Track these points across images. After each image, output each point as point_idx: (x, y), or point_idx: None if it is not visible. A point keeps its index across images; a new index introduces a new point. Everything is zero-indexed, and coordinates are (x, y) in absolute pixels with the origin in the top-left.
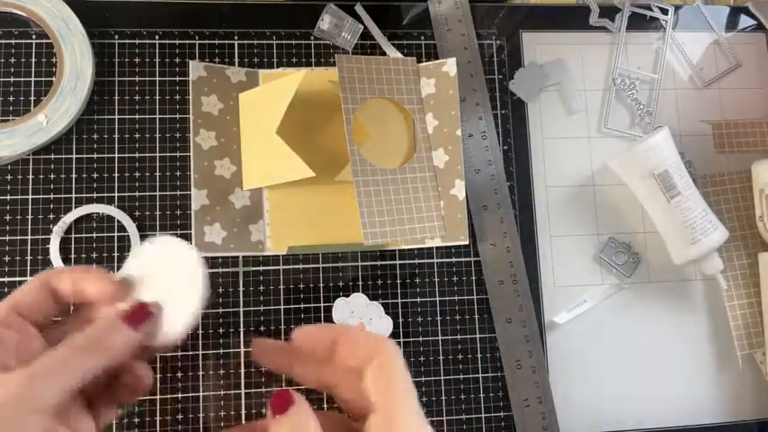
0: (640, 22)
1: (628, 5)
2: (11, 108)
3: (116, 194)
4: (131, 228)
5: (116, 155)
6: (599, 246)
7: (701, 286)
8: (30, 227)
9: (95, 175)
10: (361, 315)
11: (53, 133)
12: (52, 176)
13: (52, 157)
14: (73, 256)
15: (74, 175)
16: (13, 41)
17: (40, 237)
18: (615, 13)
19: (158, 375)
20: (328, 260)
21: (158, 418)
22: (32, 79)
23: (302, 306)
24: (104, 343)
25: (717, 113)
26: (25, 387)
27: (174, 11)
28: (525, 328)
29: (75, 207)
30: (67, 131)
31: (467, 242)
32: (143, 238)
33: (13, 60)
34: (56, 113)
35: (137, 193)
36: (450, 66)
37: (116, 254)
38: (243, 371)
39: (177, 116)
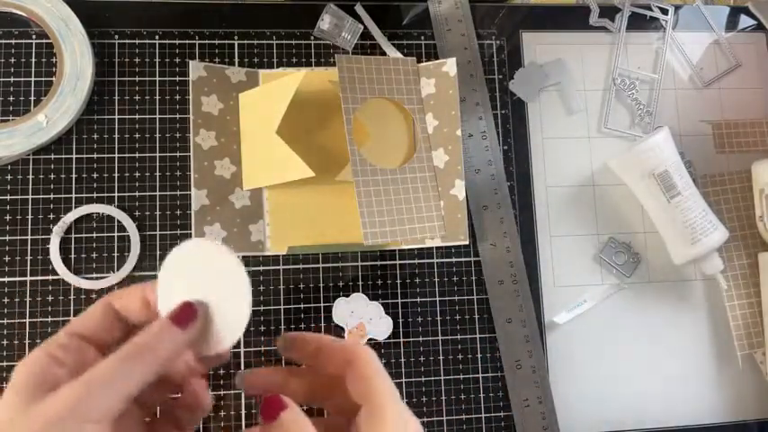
0: (640, 22)
1: (628, 5)
2: (11, 108)
3: (116, 194)
4: (131, 228)
5: (116, 155)
6: (599, 246)
7: (701, 286)
8: (30, 227)
9: (95, 175)
10: (361, 315)
11: (53, 133)
12: (52, 176)
13: (52, 157)
14: (73, 255)
15: (74, 175)
16: (13, 41)
17: (40, 237)
18: (615, 13)
19: None
20: (328, 260)
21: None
22: (32, 79)
23: (302, 306)
24: (153, 346)
25: (717, 113)
26: (79, 398)
27: (174, 11)
28: (525, 328)
29: (75, 207)
30: (67, 131)
31: (467, 242)
32: (143, 238)
33: (13, 60)
34: (56, 113)
35: (137, 193)
36: (450, 66)
37: (116, 254)
38: (243, 371)
39: (177, 116)
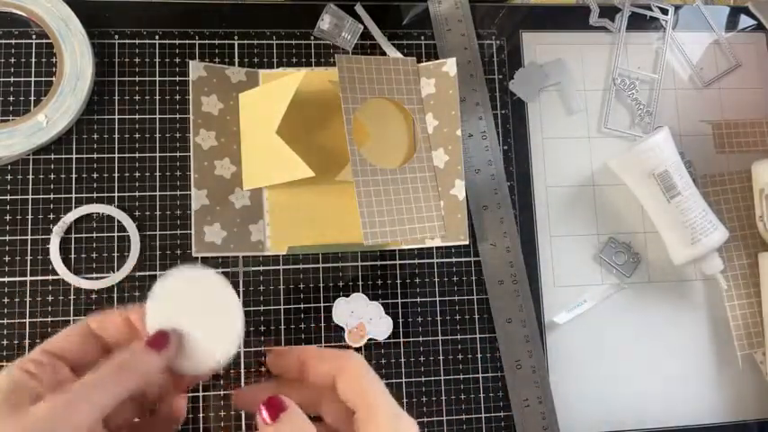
0: (640, 22)
1: (628, 5)
2: (11, 108)
3: (116, 194)
4: (131, 228)
5: (116, 155)
6: (599, 246)
7: (701, 286)
8: (30, 227)
9: (95, 175)
10: (361, 315)
11: (53, 133)
12: (52, 176)
13: (52, 157)
14: (73, 255)
15: (74, 175)
16: (13, 41)
17: (39, 237)
18: (615, 13)
19: None
20: (328, 260)
21: None
22: (32, 79)
23: (302, 306)
24: (130, 366)
25: (717, 113)
26: (58, 411)
27: (174, 11)
28: (525, 328)
29: (75, 207)
30: (67, 131)
31: (467, 242)
32: (143, 238)
33: (13, 60)
34: (56, 113)
35: (137, 193)
36: (450, 66)
37: (116, 254)
38: (243, 371)
39: (177, 116)
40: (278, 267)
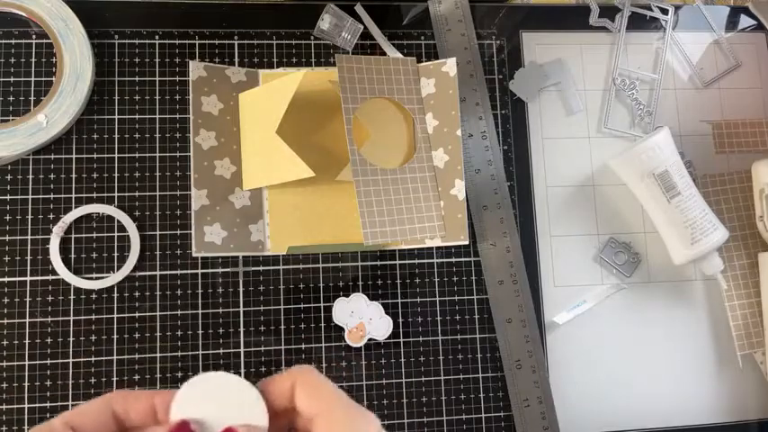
0: (640, 22)
1: (628, 5)
2: (11, 108)
3: (116, 194)
4: (131, 228)
5: (116, 155)
6: (599, 246)
7: (700, 286)
8: (30, 227)
9: (95, 175)
10: (361, 315)
11: (53, 133)
12: (52, 176)
13: (52, 157)
14: (73, 255)
15: (74, 175)
16: (13, 41)
17: (39, 237)
18: (615, 13)
19: (158, 375)
20: (328, 260)
21: None
22: (32, 79)
23: (302, 306)
24: None
25: (717, 113)
26: None
27: (174, 11)
28: (525, 328)
29: (75, 207)
30: (67, 131)
31: (467, 242)
32: (143, 238)
33: (13, 60)
34: (56, 113)
35: (137, 193)
36: (450, 66)
37: (116, 254)
38: (243, 371)
39: (177, 116)
40: (278, 267)
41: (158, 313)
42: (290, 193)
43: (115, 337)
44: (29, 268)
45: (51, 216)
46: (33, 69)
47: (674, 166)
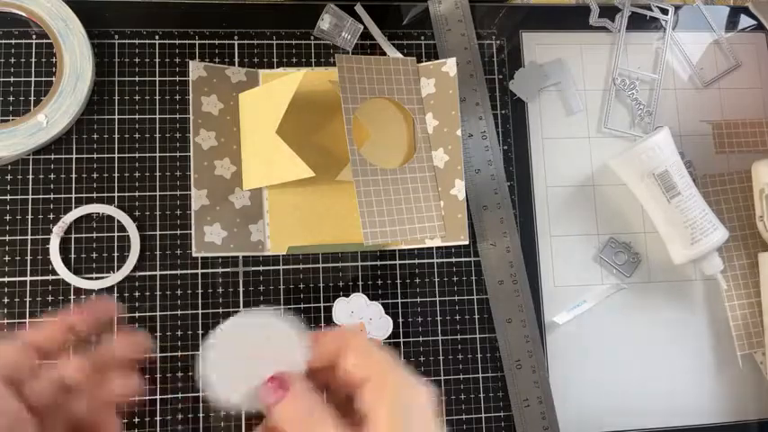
0: (640, 22)
1: (628, 5)
2: (11, 108)
3: (116, 194)
4: (131, 228)
5: (116, 155)
6: (599, 246)
7: (701, 286)
8: (30, 227)
9: (95, 175)
10: (361, 315)
11: (53, 133)
12: (52, 176)
13: (52, 157)
14: (73, 255)
15: (74, 175)
16: (13, 41)
17: (40, 237)
18: (615, 13)
19: (158, 375)
20: (328, 260)
21: (158, 417)
22: (32, 79)
23: (302, 306)
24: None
25: (717, 113)
26: None
27: (174, 11)
28: (525, 328)
29: (75, 207)
30: (67, 131)
31: (467, 242)
32: (143, 238)
33: (13, 60)
34: (56, 113)
35: (137, 193)
36: (450, 66)
37: (116, 254)
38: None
39: (177, 116)
40: (278, 267)
41: (158, 313)
42: (290, 193)
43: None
44: (29, 268)
45: (51, 216)
46: (33, 69)
47: (674, 166)
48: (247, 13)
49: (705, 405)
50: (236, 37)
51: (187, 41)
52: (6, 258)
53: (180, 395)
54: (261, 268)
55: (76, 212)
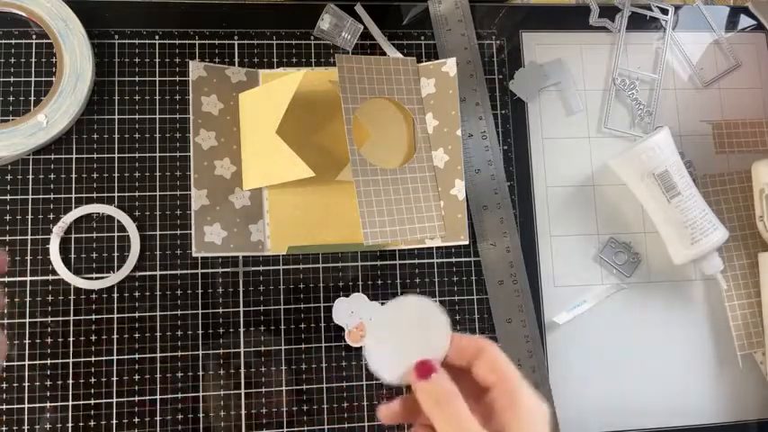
0: (640, 22)
1: (628, 5)
2: (11, 108)
3: (116, 194)
4: (131, 228)
5: (116, 155)
6: (599, 246)
7: (701, 286)
8: (30, 227)
9: (95, 175)
10: (361, 315)
11: (53, 133)
12: (52, 176)
13: (52, 157)
14: (73, 255)
15: (74, 175)
16: (13, 41)
17: (40, 237)
18: (615, 13)
19: (158, 375)
20: (328, 260)
21: (158, 418)
22: (32, 79)
23: (302, 306)
24: None
25: (717, 113)
26: None
27: (174, 11)
28: (525, 328)
29: (75, 207)
30: (67, 131)
31: (467, 242)
32: (143, 238)
33: (13, 60)
34: (56, 113)
35: (137, 193)
36: (450, 66)
37: (116, 254)
38: (243, 371)
39: (177, 116)
40: (278, 267)
41: (158, 313)
42: (290, 193)
43: (115, 337)
44: (29, 268)
45: (51, 216)
46: (33, 69)
47: (674, 166)
48: (247, 13)
49: (705, 405)
50: (236, 37)
51: (187, 41)
52: (6, 258)
53: (180, 395)
54: (261, 268)
55: (76, 212)
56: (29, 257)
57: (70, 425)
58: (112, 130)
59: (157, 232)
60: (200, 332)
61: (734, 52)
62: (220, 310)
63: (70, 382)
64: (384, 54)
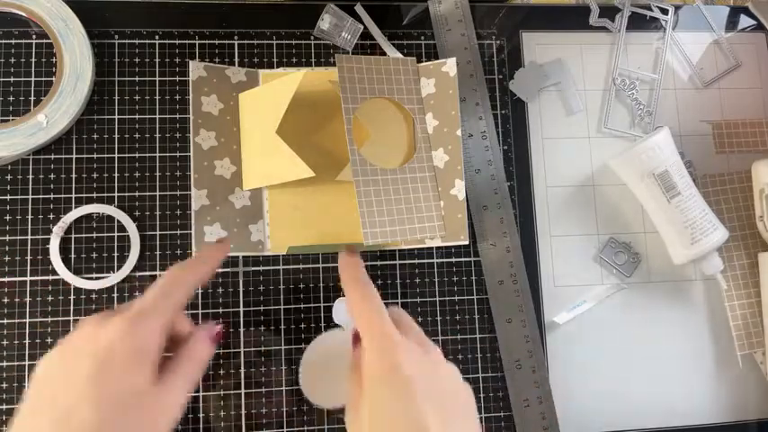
0: (640, 22)
1: (628, 5)
2: (11, 108)
3: (116, 194)
4: (131, 228)
5: (116, 155)
6: (599, 246)
7: (701, 286)
8: (30, 227)
9: (95, 175)
10: None
11: (53, 133)
12: (52, 176)
13: (52, 157)
14: (73, 256)
15: (74, 175)
16: (13, 41)
17: (40, 237)
18: (615, 13)
19: None
20: (328, 260)
21: None
22: (32, 79)
23: (302, 306)
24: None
25: (717, 113)
26: (126, 329)
27: (174, 11)
28: (525, 328)
29: (75, 207)
30: (67, 131)
31: (467, 242)
32: (143, 238)
33: (13, 60)
34: (56, 113)
35: (137, 193)
36: (450, 66)
37: (116, 254)
38: (243, 371)
39: (177, 116)
40: (278, 267)
41: None
42: (289, 193)
43: None
44: (29, 268)
45: (51, 216)
46: (33, 69)
47: (674, 166)
48: (247, 13)
49: (705, 405)
50: (236, 37)
51: (187, 41)
52: (6, 258)
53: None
54: (261, 268)
55: (76, 212)
56: (29, 257)
57: None
58: (112, 130)
59: (157, 232)
60: None
61: (734, 52)
62: (220, 311)
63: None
64: (384, 54)
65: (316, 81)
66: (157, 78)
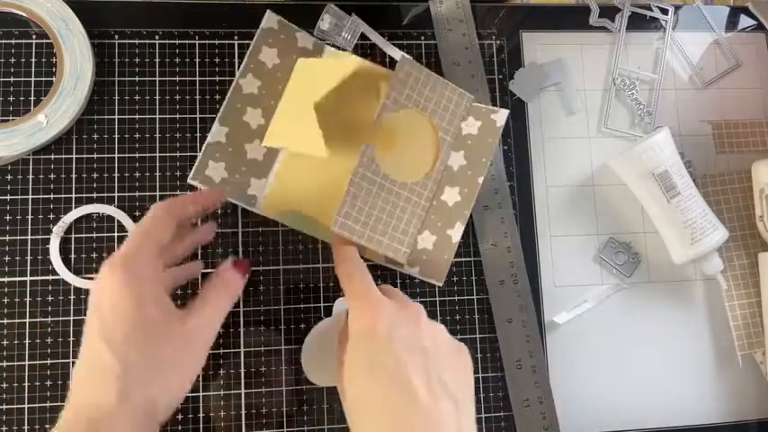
0: (640, 22)
1: (628, 5)
2: (11, 108)
3: (116, 194)
4: (131, 228)
5: (116, 155)
6: (599, 246)
7: (701, 286)
8: (30, 227)
9: (95, 175)
10: None
11: (53, 133)
12: (52, 176)
13: (52, 157)
14: (73, 256)
15: (74, 175)
16: (13, 41)
17: (40, 237)
18: (615, 13)
19: None
20: (328, 260)
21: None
22: (32, 79)
23: (302, 306)
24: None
25: (717, 113)
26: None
27: (174, 11)
28: (525, 328)
29: (75, 207)
30: (67, 131)
31: (440, 284)
32: None
33: (13, 60)
34: (56, 113)
35: (137, 193)
36: (499, 116)
37: None
38: (243, 371)
39: (177, 116)
40: (278, 267)
41: None
42: (304, 166)
43: None
44: (29, 268)
45: (51, 216)
46: (33, 69)
47: (674, 166)
48: (247, 13)
49: (705, 405)
50: (236, 37)
51: (187, 41)
52: (6, 258)
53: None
54: (261, 268)
55: (76, 212)
56: (29, 257)
57: None
58: (112, 130)
59: None
60: None
61: (734, 52)
62: None
63: (70, 382)
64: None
65: (365, 74)
66: (157, 78)
